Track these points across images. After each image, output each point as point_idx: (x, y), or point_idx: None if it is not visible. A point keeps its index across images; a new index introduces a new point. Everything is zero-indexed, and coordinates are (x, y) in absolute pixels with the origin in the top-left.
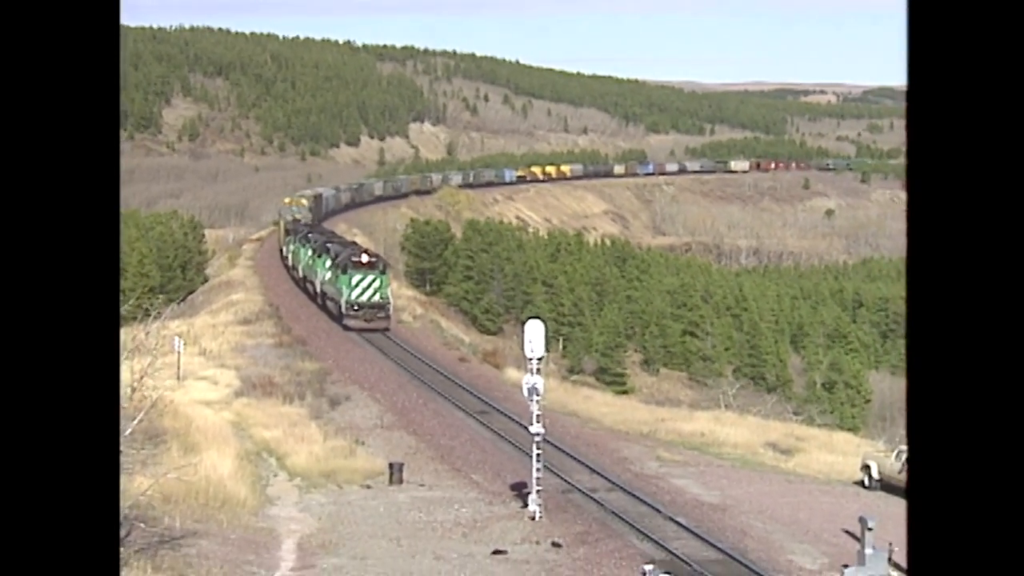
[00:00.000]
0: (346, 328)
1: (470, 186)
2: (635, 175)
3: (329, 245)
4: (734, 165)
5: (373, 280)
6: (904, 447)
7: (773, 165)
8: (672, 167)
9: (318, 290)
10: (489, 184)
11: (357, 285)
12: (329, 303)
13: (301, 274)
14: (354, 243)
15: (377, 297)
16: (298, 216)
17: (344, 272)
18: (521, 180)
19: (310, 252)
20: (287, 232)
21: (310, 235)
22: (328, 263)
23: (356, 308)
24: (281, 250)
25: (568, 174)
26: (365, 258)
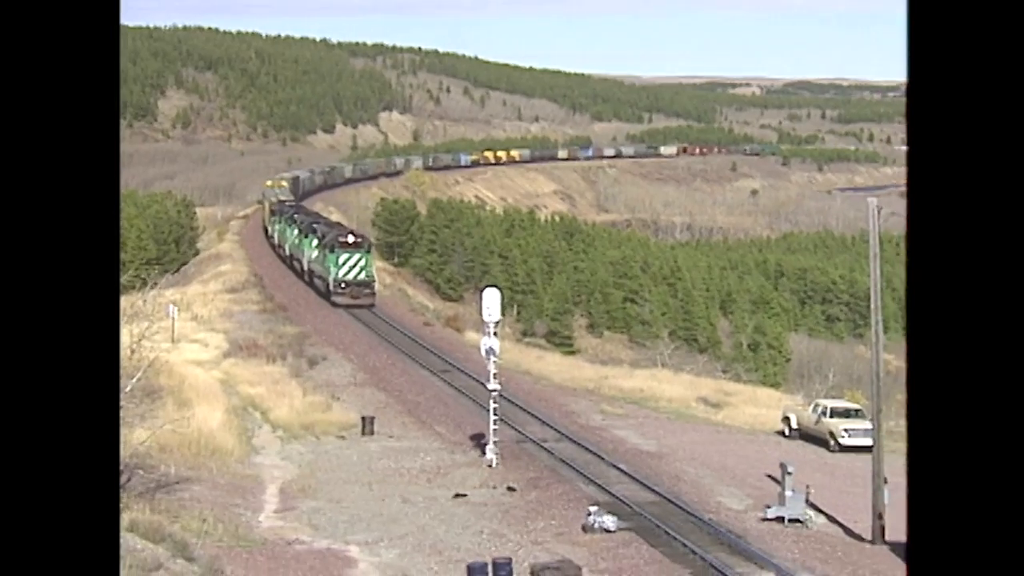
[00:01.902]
0: (334, 305)
1: (430, 169)
2: (577, 159)
3: (315, 226)
4: (663, 150)
5: (359, 259)
6: (822, 401)
7: (697, 150)
8: (609, 151)
9: (305, 268)
10: (447, 167)
11: (344, 264)
12: (317, 280)
13: (288, 252)
14: (339, 224)
15: (363, 275)
16: (282, 198)
17: (331, 251)
18: (476, 164)
19: (296, 232)
20: (272, 212)
21: (296, 216)
22: (315, 243)
23: (343, 286)
24: (266, 229)
25: (517, 158)
26: (351, 239)
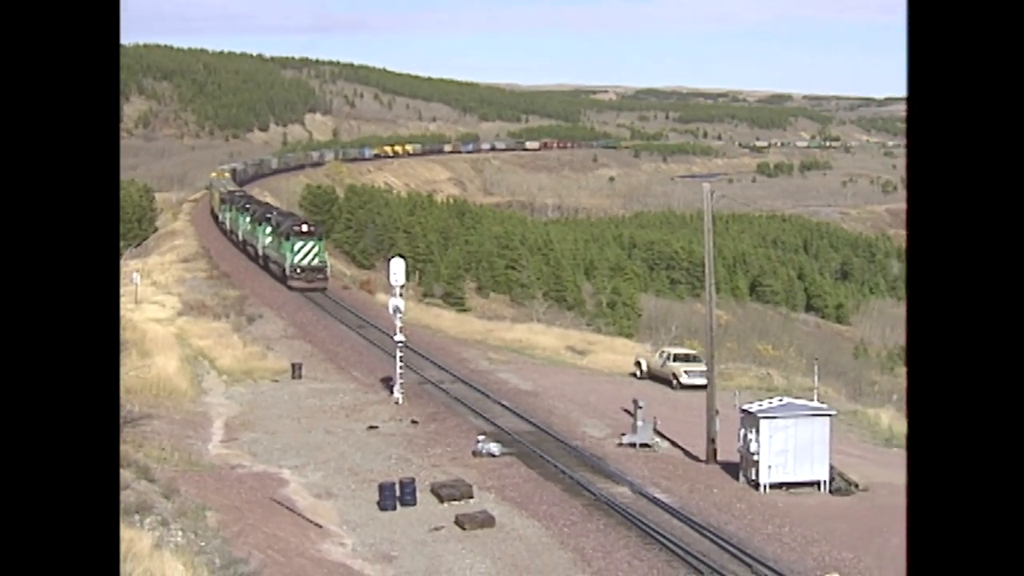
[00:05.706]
0: (290, 288)
1: (342, 160)
2: (459, 151)
3: (269, 215)
4: (528, 144)
5: (312, 246)
6: (666, 348)
7: (555, 144)
8: (486, 146)
9: (260, 253)
10: (355, 159)
11: (299, 251)
12: (272, 266)
13: (241, 238)
14: (292, 213)
15: (316, 261)
16: (230, 188)
17: (287, 239)
18: (377, 156)
19: (249, 219)
20: (223, 201)
21: (248, 205)
22: (269, 230)
23: (299, 271)
24: (216, 216)
25: (411, 151)
26: (305, 227)
